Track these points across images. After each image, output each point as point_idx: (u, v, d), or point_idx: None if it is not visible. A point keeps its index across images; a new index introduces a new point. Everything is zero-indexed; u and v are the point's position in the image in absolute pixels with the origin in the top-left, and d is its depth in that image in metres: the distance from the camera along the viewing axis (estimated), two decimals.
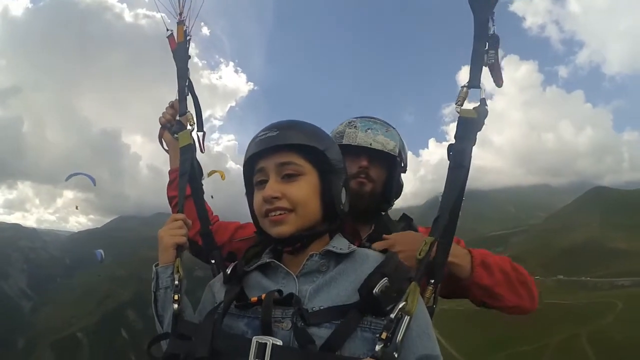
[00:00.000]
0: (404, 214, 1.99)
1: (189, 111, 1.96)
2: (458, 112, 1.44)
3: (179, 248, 1.49)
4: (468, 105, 1.45)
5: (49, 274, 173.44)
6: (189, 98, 2.01)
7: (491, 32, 1.46)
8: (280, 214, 1.28)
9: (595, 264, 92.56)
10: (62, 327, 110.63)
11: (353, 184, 1.86)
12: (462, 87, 1.45)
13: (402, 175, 2.05)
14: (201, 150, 1.98)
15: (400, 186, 2.03)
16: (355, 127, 1.91)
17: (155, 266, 1.48)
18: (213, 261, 1.78)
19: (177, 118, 1.99)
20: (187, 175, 1.77)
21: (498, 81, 1.51)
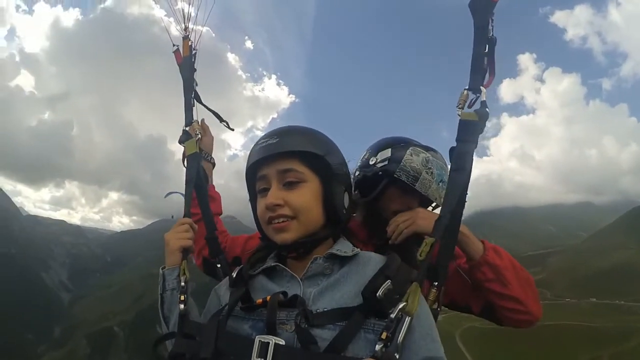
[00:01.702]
0: None
1: (195, 121, 2.07)
2: (459, 115, 1.45)
3: (185, 251, 1.53)
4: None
5: (89, 269, 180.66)
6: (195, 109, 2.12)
7: (490, 34, 1.48)
8: (283, 221, 1.29)
9: (631, 287, 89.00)
10: (98, 320, 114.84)
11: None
12: (464, 90, 1.47)
13: None
14: (231, 129, 2.29)
15: None
16: (432, 173, 1.84)
17: (162, 269, 1.52)
18: (219, 265, 1.86)
19: (184, 128, 2.04)
20: (192, 182, 1.83)
21: (489, 81, 1.52)
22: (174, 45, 2.18)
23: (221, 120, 2.23)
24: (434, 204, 1.93)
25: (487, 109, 1.45)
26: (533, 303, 1.68)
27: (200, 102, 2.13)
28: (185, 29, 2.18)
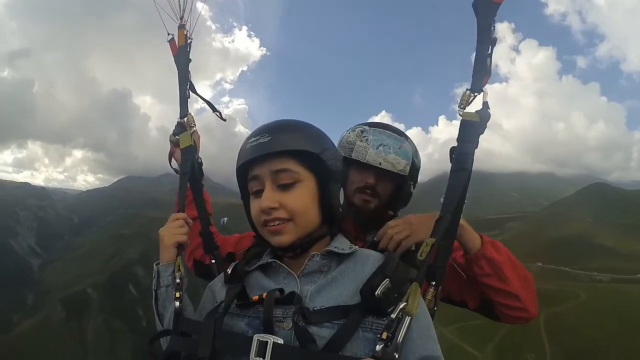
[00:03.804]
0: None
1: (189, 113, 1.96)
2: (461, 115, 1.42)
3: (180, 247, 1.49)
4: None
5: (57, 232, 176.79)
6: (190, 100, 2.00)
7: (493, 35, 1.44)
8: (279, 224, 1.24)
9: (580, 257, 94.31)
10: (71, 284, 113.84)
11: (357, 199, 1.88)
12: (466, 90, 1.44)
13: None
14: (223, 119, 2.15)
15: (408, 195, 2.00)
16: (366, 140, 1.82)
17: (156, 265, 1.47)
18: (213, 261, 1.82)
19: (178, 120, 1.96)
20: (187, 176, 1.79)
21: (485, 79, 1.46)
22: (168, 34, 2.12)
23: (214, 110, 2.12)
24: (400, 169, 1.88)
25: (489, 110, 1.42)
26: (530, 300, 1.65)
27: (195, 92, 2.05)
28: (181, 17, 2.09)
